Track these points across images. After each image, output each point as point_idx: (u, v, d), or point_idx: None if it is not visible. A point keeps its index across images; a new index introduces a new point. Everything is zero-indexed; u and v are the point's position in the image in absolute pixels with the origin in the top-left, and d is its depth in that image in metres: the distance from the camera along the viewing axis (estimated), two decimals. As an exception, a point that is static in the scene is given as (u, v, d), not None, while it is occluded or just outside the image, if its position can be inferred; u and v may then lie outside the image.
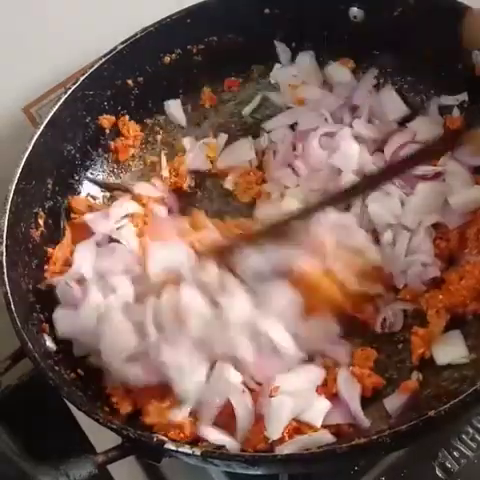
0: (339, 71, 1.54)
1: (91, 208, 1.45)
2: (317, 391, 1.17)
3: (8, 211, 1.26)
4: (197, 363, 1.15)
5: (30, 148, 1.33)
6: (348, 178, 1.37)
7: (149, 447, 1.02)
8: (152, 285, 1.23)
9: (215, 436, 1.09)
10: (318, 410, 1.13)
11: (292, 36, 1.54)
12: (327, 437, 1.08)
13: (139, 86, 1.52)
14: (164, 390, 1.15)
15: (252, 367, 1.15)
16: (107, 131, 1.51)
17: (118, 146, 1.53)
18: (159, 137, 1.59)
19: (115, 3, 1.46)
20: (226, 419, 1.13)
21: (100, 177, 1.52)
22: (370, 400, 1.17)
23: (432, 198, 1.32)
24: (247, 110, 1.60)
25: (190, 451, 0.99)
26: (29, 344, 1.12)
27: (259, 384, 1.16)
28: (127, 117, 1.53)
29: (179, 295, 1.19)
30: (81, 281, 1.28)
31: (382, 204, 1.34)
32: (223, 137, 1.57)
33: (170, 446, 1.00)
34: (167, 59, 1.52)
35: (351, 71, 1.55)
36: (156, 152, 1.58)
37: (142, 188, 1.48)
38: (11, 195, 1.28)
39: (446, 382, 1.14)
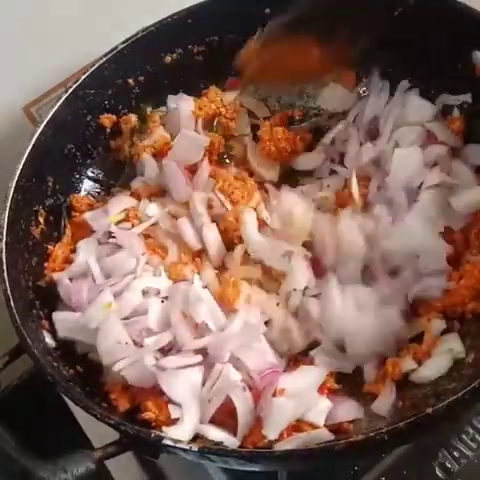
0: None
1: (91, 206, 1.45)
2: (319, 391, 1.17)
3: (8, 208, 1.27)
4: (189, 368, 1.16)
5: (31, 146, 1.34)
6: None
7: (147, 443, 1.02)
8: None
9: (214, 433, 1.09)
10: (320, 410, 1.12)
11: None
12: (325, 434, 1.08)
13: (140, 85, 1.52)
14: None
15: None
16: (108, 130, 1.51)
17: (118, 145, 1.53)
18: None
19: (115, 3, 1.47)
20: (225, 417, 1.12)
21: (100, 175, 1.52)
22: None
23: (436, 205, 1.30)
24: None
25: (187, 447, 0.99)
26: (28, 340, 1.12)
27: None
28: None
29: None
30: (83, 278, 1.29)
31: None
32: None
33: (168, 442, 1.00)
34: (168, 59, 1.53)
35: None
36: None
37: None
38: (11, 193, 1.28)
39: (445, 381, 1.14)
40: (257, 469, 1.04)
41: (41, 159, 1.37)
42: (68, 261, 1.34)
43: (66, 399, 1.13)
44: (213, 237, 1.35)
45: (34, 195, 1.36)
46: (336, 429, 1.11)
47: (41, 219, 1.37)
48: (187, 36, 1.51)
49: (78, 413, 1.35)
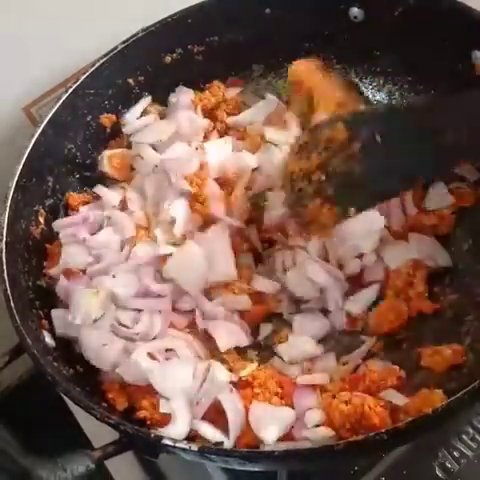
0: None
1: (88, 204, 1.46)
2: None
3: (8, 208, 1.27)
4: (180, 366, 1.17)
5: (31, 146, 1.34)
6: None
7: (146, 442, 1.03)
8: None
9: (207, 430, 1.10)
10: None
11: (292, 36, 1.53)
12: (326, 432, 1.08)
13: (140, 85, 1.52)
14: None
15: None
16: (108, 130, 1.51)
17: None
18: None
19: (115, 3, 1.46)
20: (217, 416, 1.12)
21: (101, 175, 1.52)
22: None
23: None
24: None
25: (187, 447, 0.99)
26: (28, 340, 1.12)
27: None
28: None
29: None
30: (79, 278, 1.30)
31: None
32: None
33: (167, 442, 1.00)
34: (168, 58, 1.52)
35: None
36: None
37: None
38: (11, 193, 1.29)
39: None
40: (257, 469, 1.04)
41: (41, 159, 1.37)
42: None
43: (66, 399, 1.13)
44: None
45: (34, 195, 1.36)
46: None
47: (41, 219, 1.37)
48: (187, 36, 1.51)
49: (78, 413, 1.35)
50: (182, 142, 1.43)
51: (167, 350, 1.23)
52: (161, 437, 1.01)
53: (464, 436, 1.28)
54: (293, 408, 1.12)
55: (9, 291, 1.17)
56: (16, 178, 1.30)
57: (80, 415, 1.37)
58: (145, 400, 1.15)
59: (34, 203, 1.36)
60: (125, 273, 1.29)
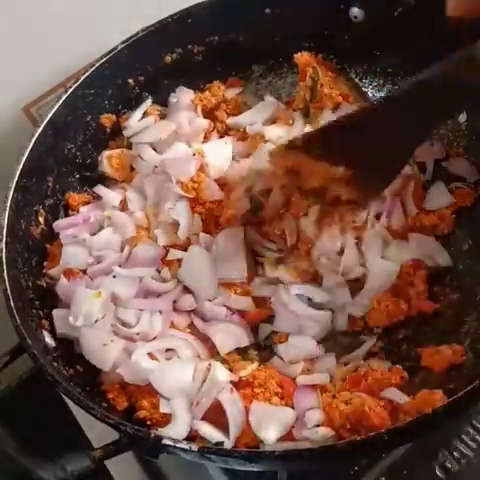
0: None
1: (88, 204, 1.46)
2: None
3: (8, 208, 1.27)
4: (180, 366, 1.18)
5: (31, 146, 1.34)
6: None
7: (146, 443, 1.02)
8: None
9: (206, 430, 1.09)
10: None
11: (292, 36, 1.53)
12: (326, 432, 1.07)
13: (140, 85, 1.52)
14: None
15: None
16: (108, 130, 1.51)
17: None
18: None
19: (115, 3, 1.47)
20: (218, 416, 1.12)
21: (101, 175, 1.52)
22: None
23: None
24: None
25: (187, 447, 0.99)
26: (28, 340, 1.12)
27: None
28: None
29: None
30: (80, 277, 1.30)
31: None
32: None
33: (167, 442, 1.00)
34: (168, 58, 1.52)
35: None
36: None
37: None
38: (11, 193, 1.28)
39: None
40: (257, 469, 1.04)
41: (41, 159, 1.37)
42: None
43: (66, 399, 1.13)
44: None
45: (34, 195, 1.36)
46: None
47: (41, 219, 1.37)
48: (187, 36, 1.51)
49: (78, 413, 1.35)
50: (182, 142, 1.43)
51: (167, 350, 1.24)
52: (161, 437, 1.01)
53: (464, 436, 1.29)
54: (293, 408, 1.13)
55: (9, 291, 1.17)
56: (16, 178, 1.30)
57: (80, 415, 1.37)
58: (145, 400, 1.16)
59: (34, 203, 1.36)
60: (126, 273, 1.29)
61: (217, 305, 1.30)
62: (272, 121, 1.50)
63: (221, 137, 1.51)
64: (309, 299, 1.31)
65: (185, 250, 1.33)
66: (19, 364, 1.19)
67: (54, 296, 1.29)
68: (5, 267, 1.20)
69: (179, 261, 1.33)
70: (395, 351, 1.26)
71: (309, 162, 1.24)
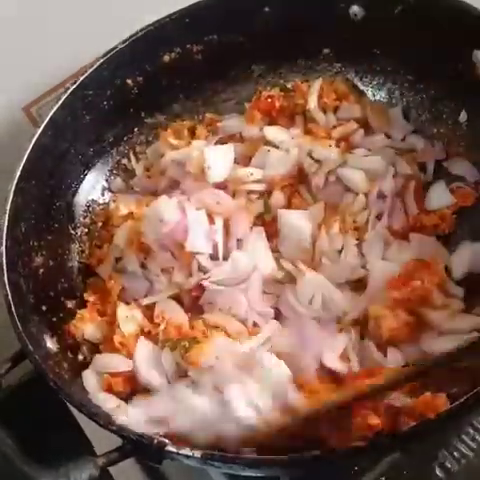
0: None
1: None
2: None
3: (8, 211, 1.26)
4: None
5: (30, 148, 1.33)
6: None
7: (149, 449, 1.03)
8: None
9: None
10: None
11: (292, 35, 1.52)
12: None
13: (139, 85, 1.51)
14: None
15: None
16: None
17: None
18: (160, 136, 1.59)
19: (115, 3, 1.46)
20: None
21: (101, 176, 1.52)
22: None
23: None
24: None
25: (190, 453, 0.99)
26: (29, 346, 1.12)
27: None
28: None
29: None
30: None
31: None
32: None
33: (171, 448, 1.00)
34: (167, 58, 1.51)
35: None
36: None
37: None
38: (11, 195, 1.28)
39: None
40: (259, 474, 1.05)
41: (41, 161, 1.36)
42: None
43: (68, 404, 1.13)
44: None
45: (34, 197, 1.35)
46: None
47: (42, 222, 1.37)
48: (186, 35, 1.50)
49: (81, 419, 1.35)
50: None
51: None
52: (164, 443, 1.01)
53: (464, 436, 1.28)
54: None
55: (10, 297, 1.17)
56: (16, 180, 1.29)
57: (83, 420, 1.37)
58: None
59: (34, 205, 1.35)
60: None
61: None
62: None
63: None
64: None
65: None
66: (20, 367, 1.19)
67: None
68: (5, 272, 1.20)
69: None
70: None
71: None
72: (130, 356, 1.23)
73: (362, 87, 1.56)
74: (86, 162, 1.50)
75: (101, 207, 1.51)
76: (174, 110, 1.59)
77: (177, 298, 1.32)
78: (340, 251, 1.34)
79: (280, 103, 1.50)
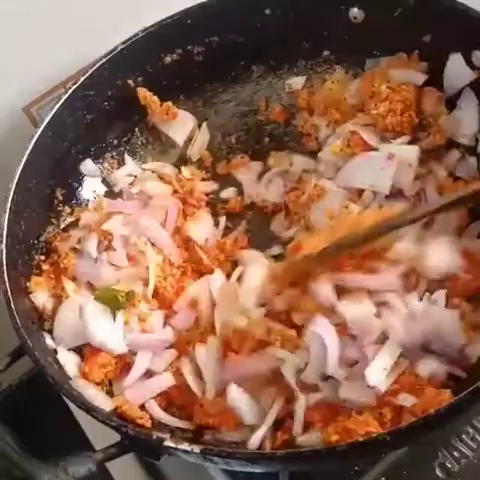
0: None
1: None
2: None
3: (8, 210, 1.26)
4: None
5: (30, 147, 1.33)
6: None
7: (148, 444, 1.03)
8: None
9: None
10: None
11: (292, 37, 1.53)
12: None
13: (139, 86, 1.51)
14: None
15: None
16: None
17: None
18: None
19: (115, 3, 1.46)
20: None
21: (101, 177, 1.53)
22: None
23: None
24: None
25: (189, 449, 0.99)
26: (28, 342, 1.12)
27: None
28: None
29: None
30: None
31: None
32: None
33: (169, 443, 1.00)
34: (167, 59, 1.52)
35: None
36: (156, 151, 1.59)
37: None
38: (11, 194, 1.28)
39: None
40: (258, 470, 1.04)
41: (41, 161, 1.36)
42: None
43: (67, 400, 1.13)
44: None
45: (34, 196, 1.35)
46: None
47: (42, 220, 1.37)
48: (187, 36, 1.51)
49: (79, 415, 1.35)
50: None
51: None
52: (163, 439, 1.01)
53: (464, 436, 1.28)
54: None
55: (10, 293, 1.17)
56: (16, 180, 1.29)
57: (81, 416, 1.36)
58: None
59: (34, 204, 1.36)
60: None
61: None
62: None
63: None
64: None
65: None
66: (20, 365, 1.19)
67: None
68: (5, 269, 1.20)
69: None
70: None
71: None
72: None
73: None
74: (86, 162, 1.50)
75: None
76: (174, 111, 1.59)
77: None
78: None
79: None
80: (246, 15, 1.50)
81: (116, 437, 1.05)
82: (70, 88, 1.41)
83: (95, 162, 1.51)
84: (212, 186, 1.56)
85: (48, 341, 1.22)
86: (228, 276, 1.35)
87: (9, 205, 1.27)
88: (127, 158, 1.55)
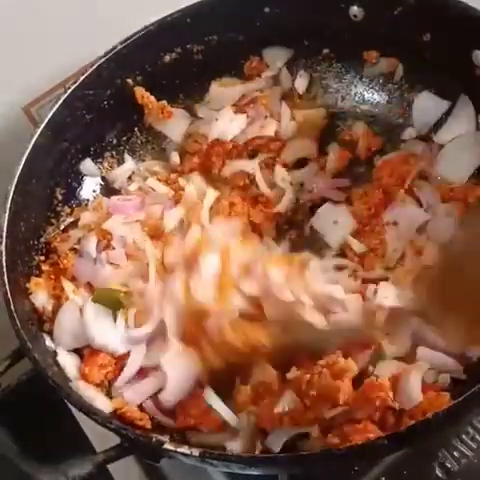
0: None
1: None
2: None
3: (8, 210, 1.26)
4: None
5: (30, 148, 1.33)
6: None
7: (147, 447, 1.03)
8: None
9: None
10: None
11: (291, 35, 1.53)
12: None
13: (139, 85, 1.51)
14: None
15: None
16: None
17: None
18: (159, 136, 1.59)
19: (115, 3, 1.46)
20: None
21: (100, 177, 1.53)
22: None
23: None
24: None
25: (188, 452, 0.99)
26: (28, 344, 1.12)
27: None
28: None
29: None
30: None
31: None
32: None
33: (168, 446, 1.00)
34: (167, 58, 1.51)
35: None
36: (156, 151, 1.59)
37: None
38: (11, 194, 1.28)
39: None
40: (258, 473, 1.04)
41: (41, 160, 1.36)
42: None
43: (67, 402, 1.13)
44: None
45: (34, 197, 1.35)
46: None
47: (42, 220, 1.37)
48: (186, 35, 1.50)
49: (80, 417, 1.35)
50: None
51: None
52: (162, 442, 1.01)
53: (464, 436, 1.28)
54: None
55: (9, 294, 1.17)
56: (16, 180, 1.29)
57: (82, 418, 1.36)
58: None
59: (34, 205, 1.36)
60: None
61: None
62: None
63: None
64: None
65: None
66: (20, 365, 1.19)
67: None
68: (5, 270, 1.20)
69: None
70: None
71: None
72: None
73: (362, 87, 1.56)
74: (86, 162, 1.49)
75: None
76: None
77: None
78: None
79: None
80: (246, 13, 1.50)
81: (117, 438, 1.06)
82: (70, 88, 1.40)
83: (95, 161, 1.51)
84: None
85: (48, 343, 1.22)
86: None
87: (9, 205, 1.27)
88: (127, 157, 1.55)
